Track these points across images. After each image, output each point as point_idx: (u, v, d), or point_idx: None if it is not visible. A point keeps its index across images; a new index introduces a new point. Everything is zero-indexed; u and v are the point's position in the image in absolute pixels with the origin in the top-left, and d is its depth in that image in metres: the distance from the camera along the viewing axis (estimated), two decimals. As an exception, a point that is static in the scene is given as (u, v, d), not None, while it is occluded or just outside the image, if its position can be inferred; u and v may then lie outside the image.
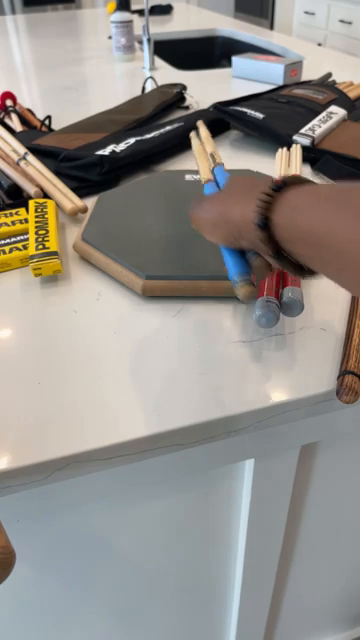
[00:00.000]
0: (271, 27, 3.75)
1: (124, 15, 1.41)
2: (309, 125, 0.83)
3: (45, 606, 0.57)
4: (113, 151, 0.77)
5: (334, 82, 1.10)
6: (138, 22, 1.94)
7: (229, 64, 1.35)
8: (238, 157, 0.84)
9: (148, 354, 0.45)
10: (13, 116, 0.95)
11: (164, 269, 0.52)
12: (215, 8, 3.42)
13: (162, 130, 0.85)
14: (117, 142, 0.81)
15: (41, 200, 0.66)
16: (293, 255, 0.34)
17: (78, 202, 0.66)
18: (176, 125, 0.87)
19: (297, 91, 0.99)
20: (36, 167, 0.73)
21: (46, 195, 0.70)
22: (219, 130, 0.93)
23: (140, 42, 1.59)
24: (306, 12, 3.40)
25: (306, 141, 0.80)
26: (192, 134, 0.66)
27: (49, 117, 0.96)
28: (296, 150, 0.78)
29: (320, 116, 0.86)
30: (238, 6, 4.07)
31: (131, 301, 0.52)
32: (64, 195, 0.68)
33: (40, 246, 0.56)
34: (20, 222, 0.63)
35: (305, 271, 0.37)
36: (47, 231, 0.59)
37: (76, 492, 0.44)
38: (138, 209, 0.64)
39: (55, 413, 0.40)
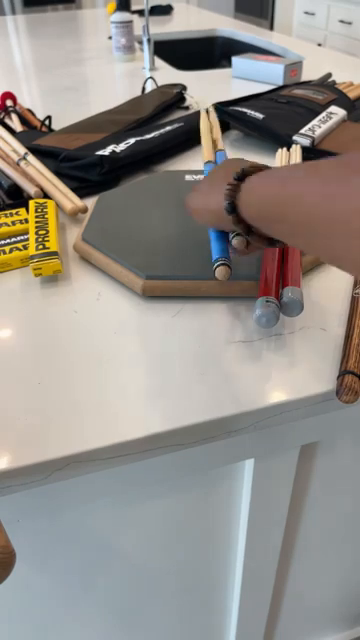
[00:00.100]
0: (271, 27, 3.75)
1: (124, 15, 1.41)
2: (309, 125, 0.83)
3: (45, 606, 0.57)
4: (113, 151, 0.77)
5: (334, 82, 1.10)
6: (138, 22, 1.94)
7: (229, 64, 1.35)
8: (238, 157, 0.84)
9: (148, 354, 0.46)
10: (13, 116, 0.95)
11: (164, 269, 0.52)
12: (215, 8, 3.43)
13: (162, 130, 0.85)
14: (117, 142, 0.81)
15: (41, 200, 0.66)
16: (262, 230, 0.40)
17: (78, 202, 0.67)
18: (176, 125, 0.87)
19: (297, 91, 0.99)
20: (36, 167, 0.73)
21: (46, 195, 0.70)
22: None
23: (140, 42, 1.59)
24: (306, 12, 3.41)
25: (306, 141, 0.80)
26: (203, 112, 0.65)
27: (49, 117, 0.96)
28: (296, 150, 0.78)
29: (320, 116, 0.86)
30: (238, 6, 4.07)
31: (131, 301, 0.52)
32: (64, 195, 0.68)
33: (40, 246, 0.56)
34: (20, 222, 0.63)
35: (276, 242, 0.42)
36: (47, 231, 0.59)
37: (76, 492, 0.44)
38: (138, 209, 0.64)
39: (55, 413, 0.40)
